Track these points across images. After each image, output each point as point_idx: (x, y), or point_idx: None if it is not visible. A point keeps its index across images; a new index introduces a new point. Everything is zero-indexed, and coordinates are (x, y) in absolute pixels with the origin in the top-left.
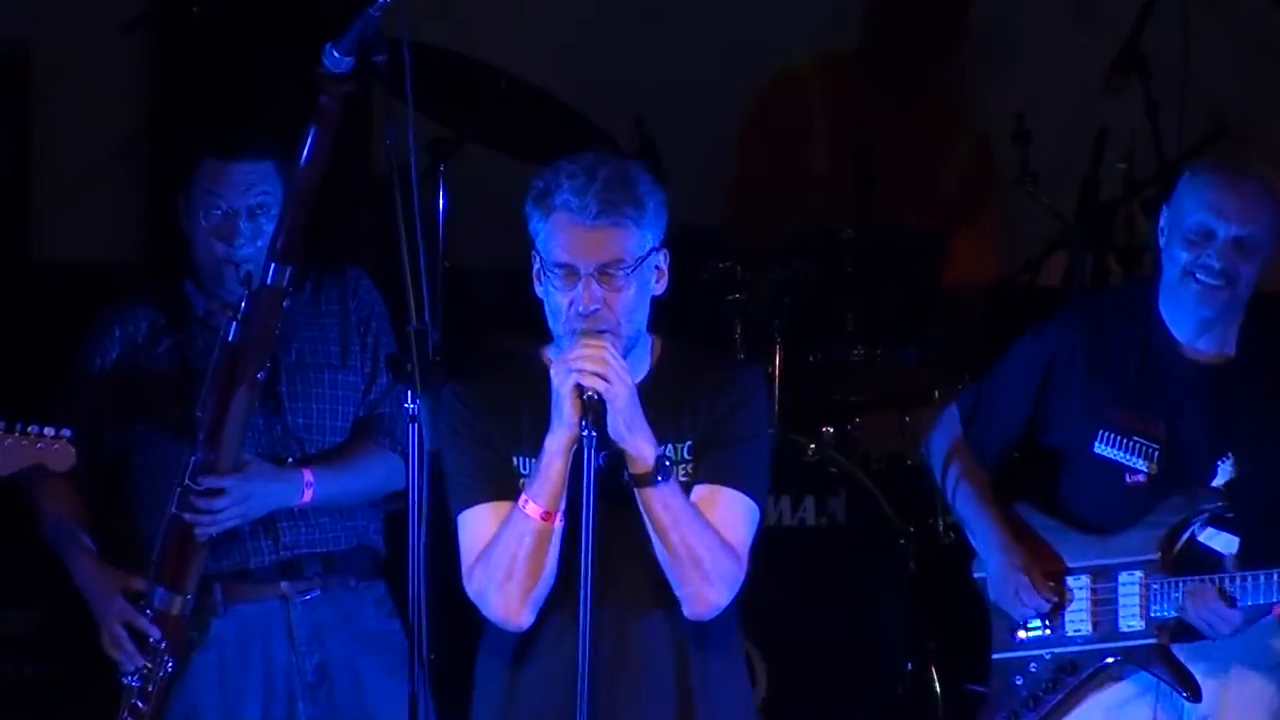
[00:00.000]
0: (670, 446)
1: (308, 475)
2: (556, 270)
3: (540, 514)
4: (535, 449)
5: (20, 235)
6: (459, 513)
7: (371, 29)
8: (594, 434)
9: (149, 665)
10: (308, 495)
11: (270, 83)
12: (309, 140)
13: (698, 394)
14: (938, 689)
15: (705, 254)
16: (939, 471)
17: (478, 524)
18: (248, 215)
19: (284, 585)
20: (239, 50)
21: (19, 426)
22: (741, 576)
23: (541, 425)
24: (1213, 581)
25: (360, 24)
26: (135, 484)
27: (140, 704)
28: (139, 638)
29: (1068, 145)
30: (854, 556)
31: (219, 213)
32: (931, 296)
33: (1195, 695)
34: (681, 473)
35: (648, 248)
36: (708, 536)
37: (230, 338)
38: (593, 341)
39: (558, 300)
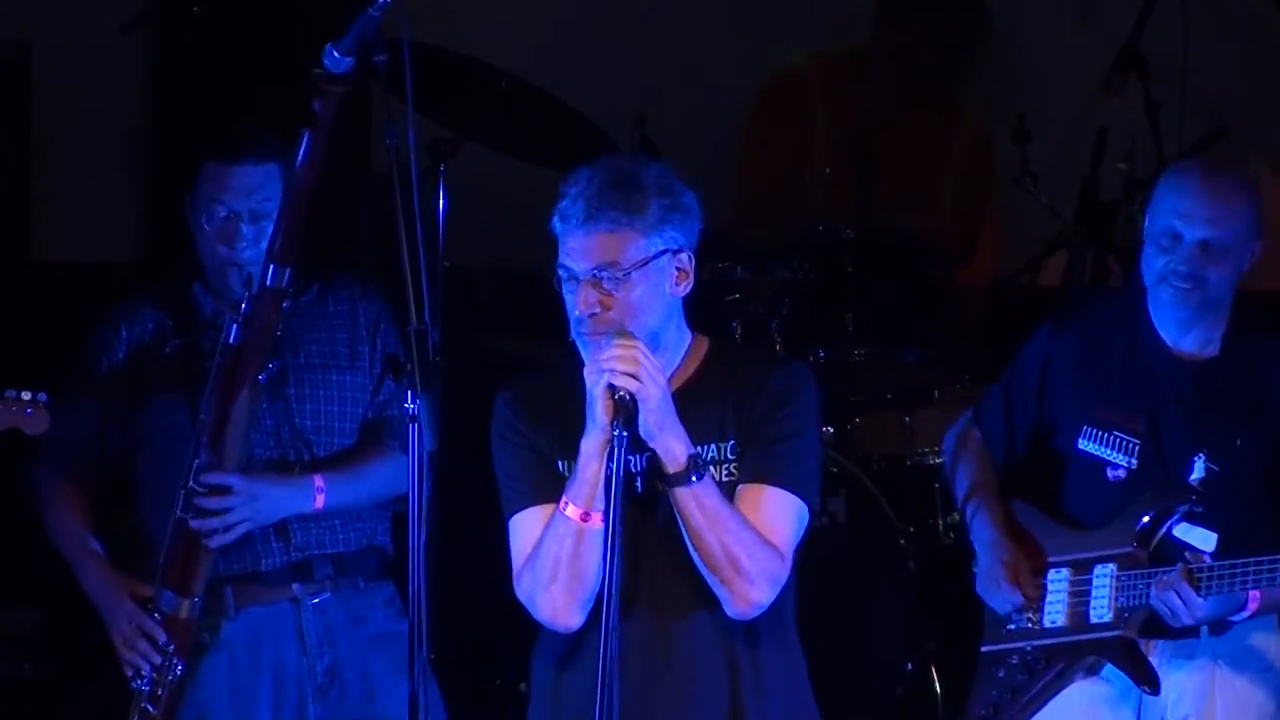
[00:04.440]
0: (713, 446)
1: (318, 481)
2: (560, 274)
3: (580, 515)
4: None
5: (20, 235)
6: (509, 518)
7: (371, 29)
8: (625, 434)
9: (158, 668)
10: (319, 501)
11: (270, 83)
12: (303, 144)
13: (740, 393)
14: (938, 689)
15: (705, 254)
16: (950, 472)
17: (526, 528)
18: (250, 218)
19: (295, 588)
20: (239, 50)
21: None
22: (785, 575)
23: (583, 428)
24: (1181, 566)
25: (360, 24)
26: (143, 486)
27: (150, 707)
28: (148, 641)
29: (1068, 145)
30: (854, 556)
31: (221, 216)
32: (931, 296)
33: (1154, 689)
34: (725, 472)
35: (653, 251)
36: (745, 535)
37: (231, 340)
38: (625, 341)
39: (568, 303)
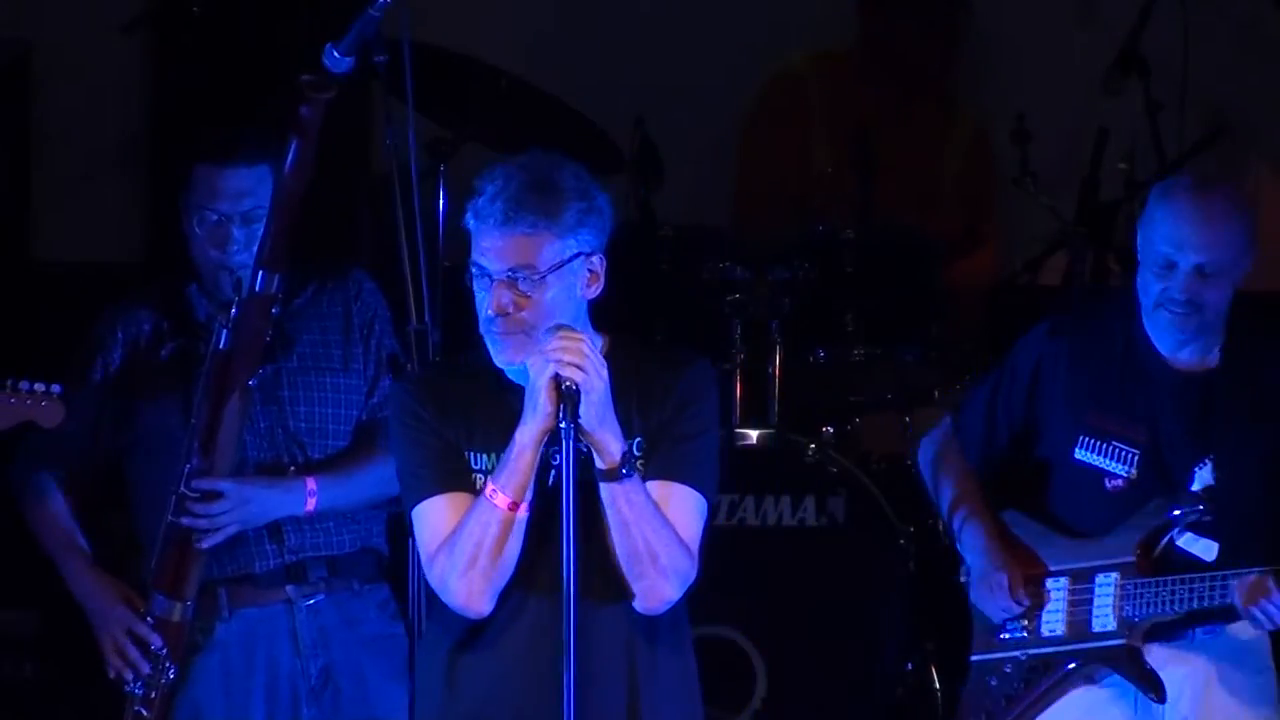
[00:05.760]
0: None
1: (310, 484)
2: (473, 270)
3: (508, 504)
4: (487, 443)
5: (20, 235)
6: (414, 505)
7: (371, 29)
8: (572, 425)
9: (151, 672)
10: (311, 504)
11: (271, 83)
12: (291, 150)
13: (647, 391)
14: (938, 689)
15: (705, 254)
16: (929, 477)
17: (435, 515)
18: (241, 221)
19: (289, 590)
20: (239, 50)
21: (9, 382)
22: (694, 573)
23: (492, 420)
24: (1267, 569)
25: (360, 24)
26: (136, 487)
27: (143, 711)
28: (141, 645)
29: (1068, 145)
30: (854, 556)
31: (212, 219)
32: (931, 296)
33: (1160, 697)
34: None
35: (568, 254)
36: (665, 532)
37: (221, 345)
38: (570, 334)
39: (479, 301)
